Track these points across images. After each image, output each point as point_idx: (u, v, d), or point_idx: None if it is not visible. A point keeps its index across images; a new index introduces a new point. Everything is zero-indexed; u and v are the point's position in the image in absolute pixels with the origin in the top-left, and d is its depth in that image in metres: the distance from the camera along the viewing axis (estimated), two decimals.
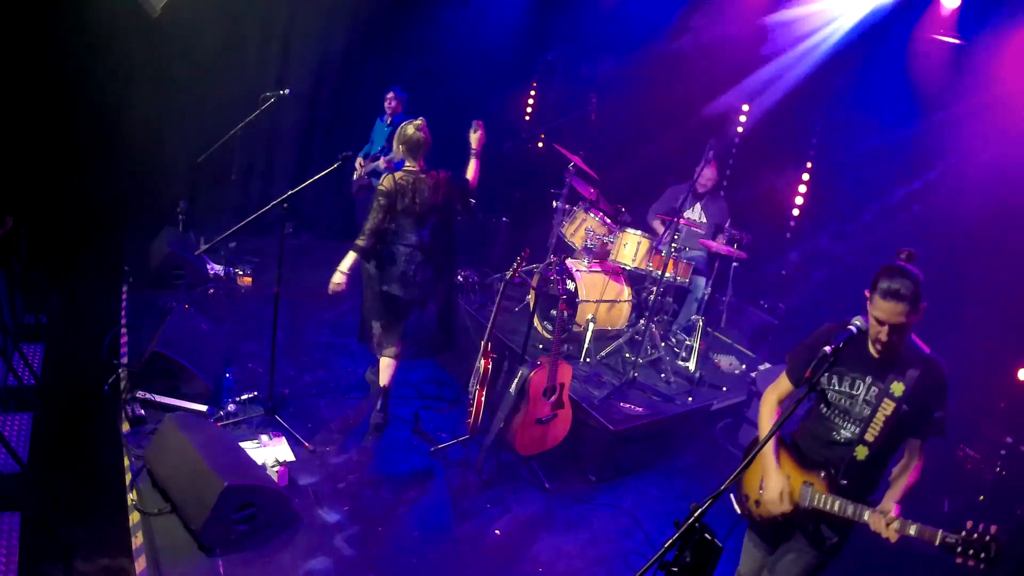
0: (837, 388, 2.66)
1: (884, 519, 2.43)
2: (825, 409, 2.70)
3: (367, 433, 4.51)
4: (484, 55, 7.73)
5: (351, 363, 5.25)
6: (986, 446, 4.71)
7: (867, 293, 2.51)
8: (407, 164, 4.16)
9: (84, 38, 5.66)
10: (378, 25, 7.32)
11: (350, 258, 4.11)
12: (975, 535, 2.23)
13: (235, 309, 5.65)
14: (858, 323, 2.50)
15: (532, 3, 8.16)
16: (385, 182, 4.08)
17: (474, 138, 4.32)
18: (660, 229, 5.93)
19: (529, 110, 9.16)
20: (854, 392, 2.62)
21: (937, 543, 2.30)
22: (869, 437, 2.56)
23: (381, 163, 6.15)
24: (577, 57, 8.18)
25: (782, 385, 2.87)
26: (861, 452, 2.58)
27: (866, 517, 2.49)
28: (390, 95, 6.39)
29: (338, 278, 4.11)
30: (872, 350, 2.58)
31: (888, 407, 2.53)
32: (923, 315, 2.44)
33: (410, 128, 4.09)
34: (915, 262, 2.49)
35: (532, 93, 9.11)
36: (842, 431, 2.65)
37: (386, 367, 4.48)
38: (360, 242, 4.09)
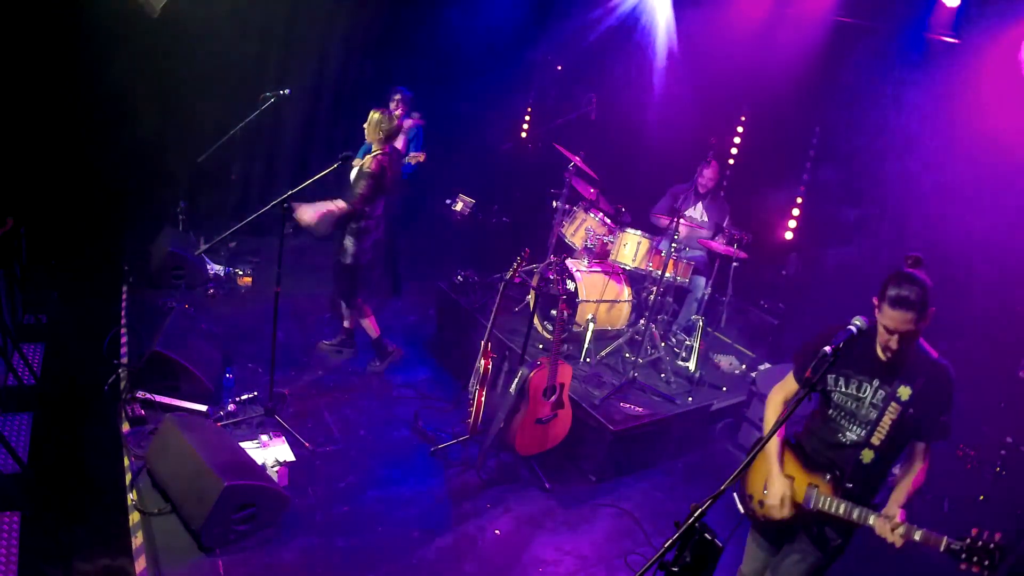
0: (844, 390, 2.65)
1: (889, 524, 2.42)
2: (831, 411, 2.69)
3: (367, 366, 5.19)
4: (484, 54, 7.72)
5: (351, 363, 5.24)
6: (986, 446, 4.71)
7: (875, 301, 2.48)
8: (375, 148, 4.62)
9: (84, 38, 5.66)
10: (378, 25, 7.31)
11: (335, 204, 4.46)
12: (980, 542, 2.23)
13: (235, 309, 5.64)
14: (858, 323, 2.47)
15: (533, 4, 8.15)
16: (372, 163, 4.50)
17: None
18: (664, 225, 5.92)
19: (529, 110, 9.15)
20: (861, 395, 2.61)
21: (942, 549, 2.30)
22: (875, 440, 2.55)
23: (412, 159, 6.06)
24: (578, 57, 8.16)
25: (788, 385, 2.86)
26: (867, 455, 2.57)
27: (871, 521, 2.48)
28: (397, 97, 6.33)
29: (311, 215, 4.35)
30: (880, 353, 2.56)
31: (894, 411, 2.52)
32: (931, 320, 2.42)
33: (392, 118, 4.62)
34: (921, 267, 2.47)
35: (532, 93, 9.10)
36: (848, 433, 2.65)
37: (367, 323, 5.08)
38: (355, 203, 4.49)
